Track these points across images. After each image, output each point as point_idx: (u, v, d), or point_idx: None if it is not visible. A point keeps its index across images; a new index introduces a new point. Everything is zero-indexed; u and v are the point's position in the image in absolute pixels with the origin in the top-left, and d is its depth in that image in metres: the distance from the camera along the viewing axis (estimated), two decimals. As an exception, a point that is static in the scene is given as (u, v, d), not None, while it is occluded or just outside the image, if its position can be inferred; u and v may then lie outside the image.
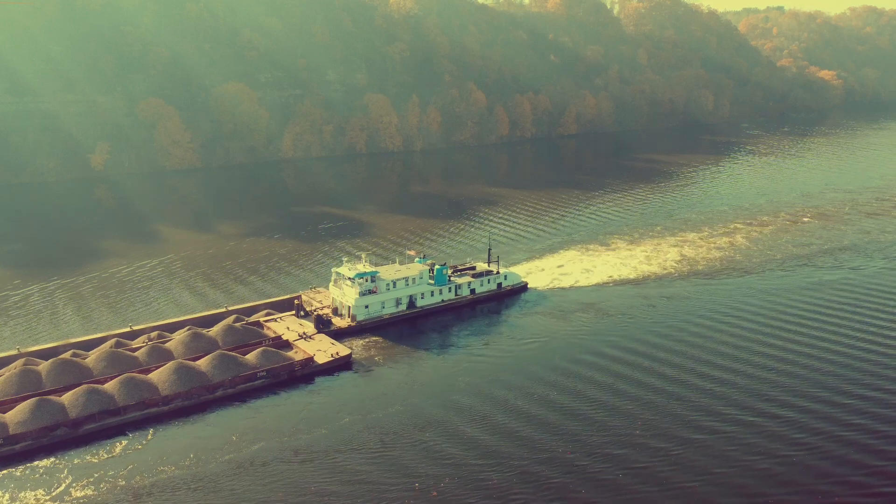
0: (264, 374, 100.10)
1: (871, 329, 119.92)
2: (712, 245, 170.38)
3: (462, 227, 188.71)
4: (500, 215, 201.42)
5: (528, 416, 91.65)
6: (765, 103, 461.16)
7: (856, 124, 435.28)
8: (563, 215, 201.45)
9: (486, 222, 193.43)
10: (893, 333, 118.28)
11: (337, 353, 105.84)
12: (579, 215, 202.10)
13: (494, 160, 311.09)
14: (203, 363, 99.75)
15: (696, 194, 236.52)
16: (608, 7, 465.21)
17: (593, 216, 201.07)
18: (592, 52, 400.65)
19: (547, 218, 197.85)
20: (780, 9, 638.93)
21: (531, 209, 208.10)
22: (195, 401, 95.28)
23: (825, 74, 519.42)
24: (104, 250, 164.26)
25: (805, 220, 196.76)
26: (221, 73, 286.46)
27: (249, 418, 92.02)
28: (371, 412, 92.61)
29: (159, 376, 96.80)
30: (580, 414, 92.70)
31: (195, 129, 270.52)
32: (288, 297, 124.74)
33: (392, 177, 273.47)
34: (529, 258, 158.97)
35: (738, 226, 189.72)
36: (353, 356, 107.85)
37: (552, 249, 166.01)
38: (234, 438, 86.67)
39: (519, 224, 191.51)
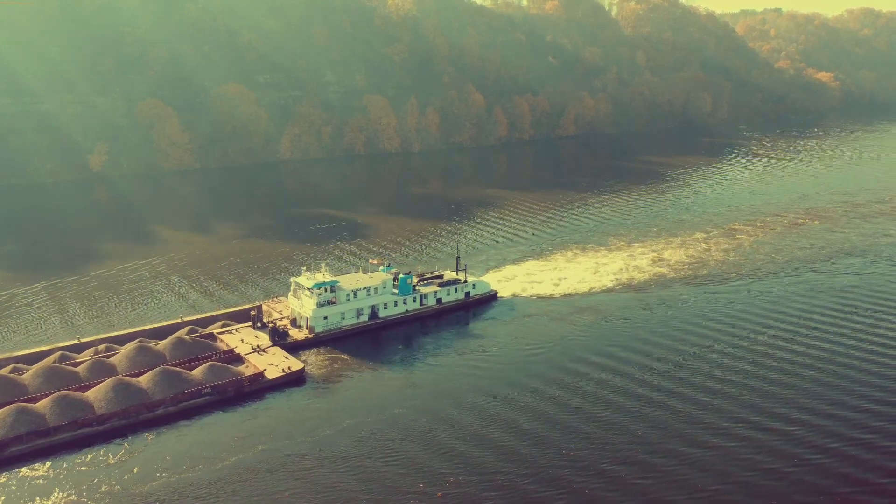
0: (209, 390, 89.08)
1: (877, 334, 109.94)
2: (707, 248, 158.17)
3: (450, 230, 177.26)
4: (489, 218, 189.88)
5: (484, 438, 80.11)
6: (763, 105, 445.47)
7: (853, 126, 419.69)
8: (553, 218, 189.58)
9: (475, 226, 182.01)
10: None
11: (289, 368, 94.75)
12: (571, 218, 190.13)
13: (493, 162, 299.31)
14: (144, 379, 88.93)
15: (692, 196, 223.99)
16: (606, 9, 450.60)
17: (585, 219, 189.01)
18: (591, 53, 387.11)
19: (538, 222, 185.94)
20: (777, 10, 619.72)
21: (523, 212, 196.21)
22: (133, 420, 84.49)
23: (822, 76, 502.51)
24: (96, 252, 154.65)
25: (804, 222, 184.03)
26: (220, 75, 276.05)
27: (179, 440, 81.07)
28: (312, 433, 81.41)
29: (96, 394, 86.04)
30: (557, 423, 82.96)
31: (193, 130, 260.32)
32: (247, 307, 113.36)
33: (390, 179, 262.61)
34: (508, 263, 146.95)
35: (737, 228, 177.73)
36: (308, 371, 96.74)
37: (536, 254, 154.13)
38: (137, 469, 75.51)
39: (507, 228, 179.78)
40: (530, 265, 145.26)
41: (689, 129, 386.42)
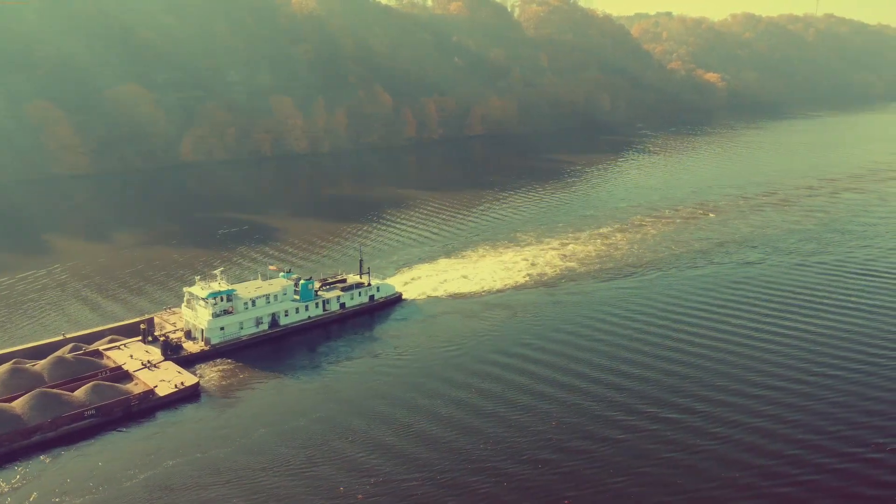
0: (93, 412, 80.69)
1: (769, 322, 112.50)
2: (611, 242, 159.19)
3: (358, 232, 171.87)
4: (398, 219, 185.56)
5: (390, 445, 75.95)
6: (657, 104, 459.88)
7: (738, 124, 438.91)
8: (461, 217, 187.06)
9: (384, 227, 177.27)
10: (790, 324, 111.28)
11: (182, 383, 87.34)
12: (479, 216, 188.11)
13: (402, 162, 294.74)
14: (19, 404, 79.69)
15: (595, 192, 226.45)
16: (509, 10, 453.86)
17: (493, 217, 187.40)
18: (496, 54, 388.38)
19: (446, 221, 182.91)
20: (668, 14, 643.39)
21: (431, 212, 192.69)
22: (6, 449, 75.39)
23: (711, 77, 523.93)
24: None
25: (700, 215, 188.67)
26: (115, 74, 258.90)
27: (80, 463, 73.01)
28: (207, 451, 75.06)
29: (-39, 424, 76.47)
30: (466, 426, 79.72)
31: (88, 132, 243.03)
32: (137, 319, 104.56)
33: (298, 180, 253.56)
34: (417, 263, 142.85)
35: (638, 222, 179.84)
36: (204, 385, 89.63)
37: (444, 254, 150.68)
38: (35, 496, 67.65)
39: (415, 228, 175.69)
40: (438, 265, 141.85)
41: (590, 127, 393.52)
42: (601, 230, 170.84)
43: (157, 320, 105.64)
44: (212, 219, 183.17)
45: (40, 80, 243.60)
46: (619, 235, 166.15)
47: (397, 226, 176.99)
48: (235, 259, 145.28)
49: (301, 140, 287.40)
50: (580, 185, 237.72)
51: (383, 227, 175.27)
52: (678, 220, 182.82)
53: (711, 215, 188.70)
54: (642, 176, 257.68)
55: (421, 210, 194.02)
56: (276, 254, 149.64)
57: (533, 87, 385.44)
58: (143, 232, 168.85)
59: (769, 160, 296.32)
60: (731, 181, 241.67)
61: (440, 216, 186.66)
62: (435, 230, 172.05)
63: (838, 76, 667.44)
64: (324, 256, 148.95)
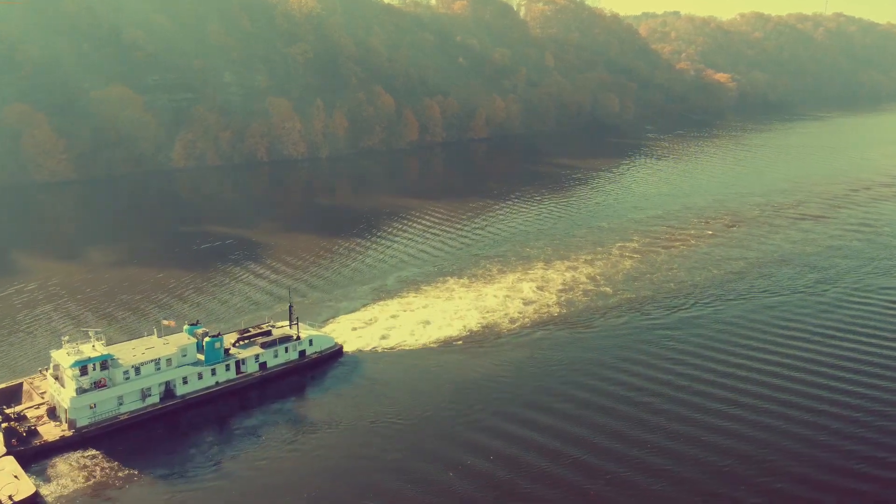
0: None
1: (841, 363, 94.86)
2: (633, 262, 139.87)
3: (347, 248, 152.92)
4: (385, 234, 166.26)
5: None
6: (666, 105, 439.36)
7: (749, 125, 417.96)
8: (457, 232, 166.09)
9: (365, 245, 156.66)
10: (868, 368, 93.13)
11: (10, 498, 62.79)
12: (477, 232, 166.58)
13: (403, 167, 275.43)
14: None
15: (607, 200, 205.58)
16: (514, 9, 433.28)
17: (493, 231, 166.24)
18: (500, 54, 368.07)
19: (445, 237, 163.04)
20: (676, 13, 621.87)
21: (424, 225, 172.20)
22: None
23: (720, 77, 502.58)
24: None
25: (730, 228, 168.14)
26: (102, 76, 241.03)
27: None
28: None
29: None
30: None
31: (72, 137, 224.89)
32: (9, 384, 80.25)
33: (293, 187, 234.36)
34: (382, 298, 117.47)
35: (660, 236, 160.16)
36: (48, 494, 65.14)
37: (420, 283, 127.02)
38: None
39: (400, 247, 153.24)
40: (411, 298, 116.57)
41: (596, 129, 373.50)
42: (625, 245, 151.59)
43: (25, 387, 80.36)
44: (193, 232, 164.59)
45: (23, 82, 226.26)
46: (644, 253, 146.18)
47: (384, 241, 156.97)
48: (219, 277, 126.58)
49: (298, 144, 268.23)
50: (591, 193, 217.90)
51: (366, 245, 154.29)
52: (706, 235, 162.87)
53: (742, 229, 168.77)
54: (657, 181, 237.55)
55: (417, 223, 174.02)
56: (258, 270, 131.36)
57: (538, 88, 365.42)
58: (106, 248, 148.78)
59: (788, 164, 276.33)
60: (752, 187, 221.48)
61: (437, 230, 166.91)
62: (425, 248, 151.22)
63: (847, 75, 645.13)
64: (311, 276, 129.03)
